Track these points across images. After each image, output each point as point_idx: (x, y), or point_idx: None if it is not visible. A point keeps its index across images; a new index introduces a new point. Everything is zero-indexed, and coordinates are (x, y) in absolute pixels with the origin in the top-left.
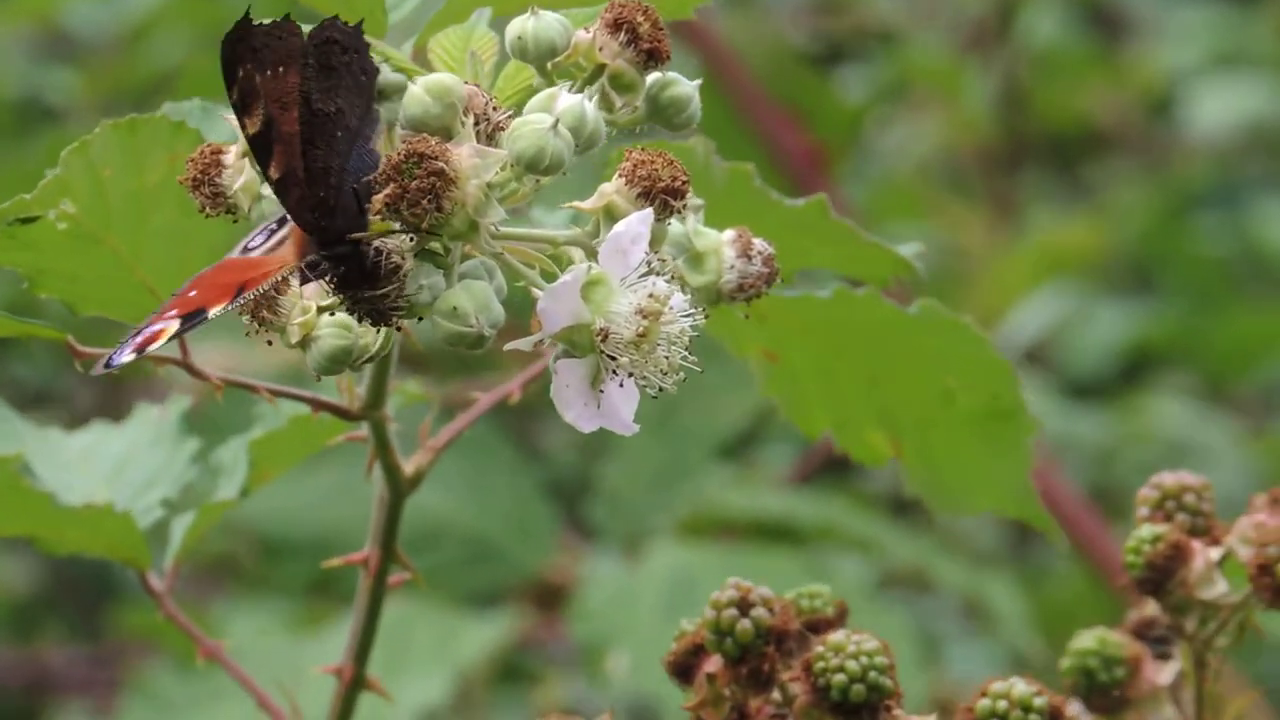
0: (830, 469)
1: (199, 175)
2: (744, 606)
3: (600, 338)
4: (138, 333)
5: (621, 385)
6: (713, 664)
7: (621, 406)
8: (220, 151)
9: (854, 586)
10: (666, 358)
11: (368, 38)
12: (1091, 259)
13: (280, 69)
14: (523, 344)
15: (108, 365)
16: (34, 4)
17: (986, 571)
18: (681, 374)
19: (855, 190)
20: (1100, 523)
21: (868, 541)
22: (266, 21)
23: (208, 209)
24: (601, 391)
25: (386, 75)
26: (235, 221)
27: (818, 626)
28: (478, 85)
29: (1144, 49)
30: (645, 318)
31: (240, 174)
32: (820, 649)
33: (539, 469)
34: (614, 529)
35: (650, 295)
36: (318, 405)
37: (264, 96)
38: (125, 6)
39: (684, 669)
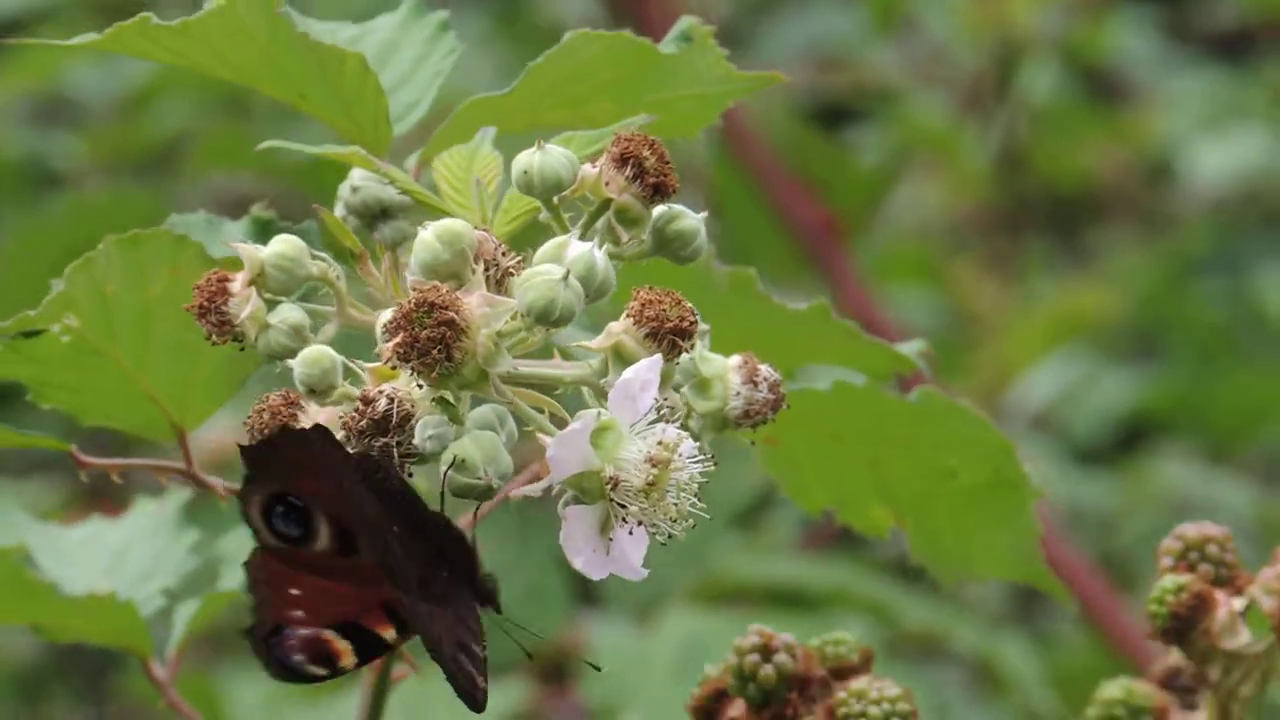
0: (839, 535)
1: (205, 303)
2: (767, 652)
3: (610, 485)
4: (283, 636)
5: (631, 533)
6: (736, 709)
7: (630, 552)
8: (226, 279)
9: None
10: (675, 504)
11: (370, 157)
12: (1095, 324)
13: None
14: (533, 490)
15: (287, 673)
16: (35, 68)
17: (1000, 635)
18: (691, 521)
19: (862, 255)
20: (1107, 589)
21: (879, 606)
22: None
23: (214, 337)
24: (610, 539)
25: (390, 195)
26: (241, 349)
27: (843, 673)
28: (486, 228)
29: (1141, 110)
30: (655, 466)
31: (247, 302)
32: (843, 695)
33: (550, 537)
34: (625, 597)
35: (660, 443)
36: None
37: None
38: (127, 71)
39: (707, 714)
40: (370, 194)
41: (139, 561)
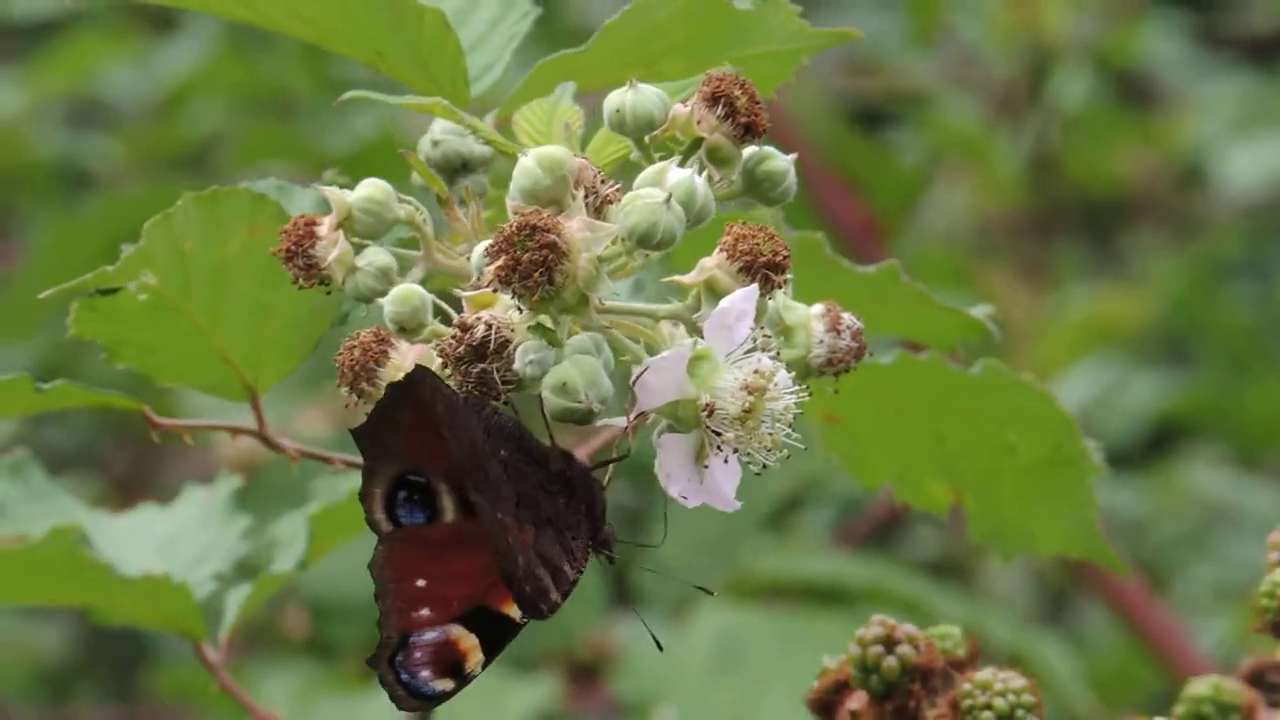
0: (872, 536)
1: (293, 247)
2: (890, 643)
3: (706, 413)
4: (409, 650)
5: (725, 461)
6: (857, 700)
7: (724, 482)
8: (314, 223)
9: None
10: (770, 434)
11: (453, 108)
12: (1126, 329)
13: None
14: (620, 420)
15: (414, 694)
16: (70, 69)
17: (1037, 635)
18: (785, 451)
19: (899, 257)
20: (1147, 593)
21: (915, 603)
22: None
23: (301, 280)
24: (705, 467)
25: (473, 147)
26: (328, 293)
27: (952, 666)
28: (585, 157)
29: (1173, 114)
30: (751, 394)
31: (334, 246)
32: (967, 686)
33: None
34: (661, 594)
35: (756, 371)
36: None
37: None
38: (160, 72)
39: (826, 706)
40: (451, 148)
41: (190, 547)
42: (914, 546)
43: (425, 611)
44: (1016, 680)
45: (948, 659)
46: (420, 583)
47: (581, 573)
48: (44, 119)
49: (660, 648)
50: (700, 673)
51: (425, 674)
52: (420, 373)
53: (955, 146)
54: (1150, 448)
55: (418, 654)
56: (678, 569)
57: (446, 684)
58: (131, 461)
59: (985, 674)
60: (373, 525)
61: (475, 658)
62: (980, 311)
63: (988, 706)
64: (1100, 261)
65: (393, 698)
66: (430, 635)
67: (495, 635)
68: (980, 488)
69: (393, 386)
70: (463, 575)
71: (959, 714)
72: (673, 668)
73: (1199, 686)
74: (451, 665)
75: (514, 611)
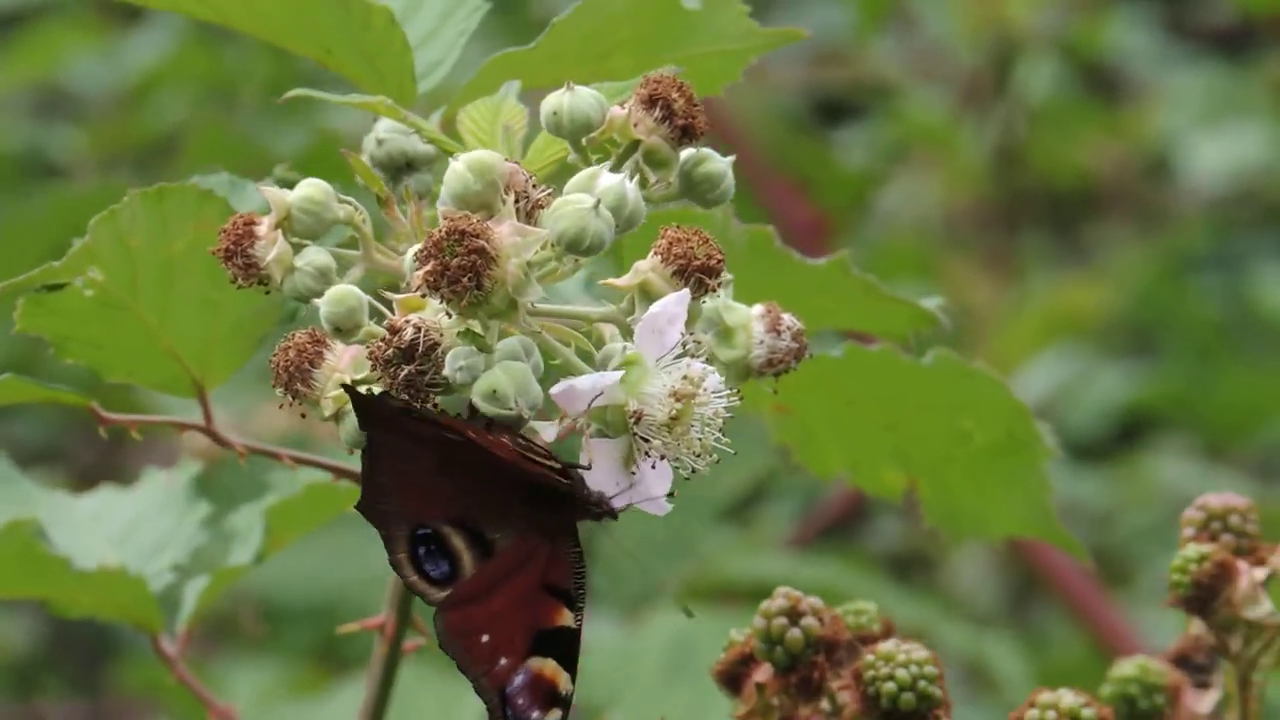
0: (833, 529)
1: (232, 246)
2: (794, 616)
3: (634, 420)
4: (511, 703)
5: (654, 466)
6: (762, 673)
7: (654, 485)
8: (253, 222)
9: None
10: (700, 439)
11: (397, 107)
12: (1092, 321)
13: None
14: (549, 428)
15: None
16: (36, 60)
17: (988, 634)
18: (715, 456)
19: (856, 253)
20: (1099, 589)
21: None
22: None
23: (240, 280)
24: (634, 472)
25: (415, 146)
26: (267, 293)
27: (865, 641)
28: (517, 162)
29: (1140, 106)
30: (679, 400)
31: (273, 245)
32: (870, 658)
33: None
34: (615, 595)
35: (685, 377)
36: (340, 473)
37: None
38: (126, 63)
39: (732, 678)
40: (395, 146)
41: (149, 535)
42: (876, 539)
43: (503, 661)
44: (919, 651)
45: (860, 634)
46: (484, 638)
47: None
48: (9, 110)
49: (690, 615)
50: (652, 676)
51: (535, 715)
52: (372, 412)
53: (920, 138)
54: (1116, 440)
55: (520, 701)
56: (628, 571)
57: (555, 714)
58: (97, 456)
59: (888, 645)
60: (416, 591)
61: (563, 678)
62: (931, 303)
63: (890, 677)
64: (1066, 253)
65: None
66: (519, 680)
67: (565, 650)
68: (934, 474)
69: (363, 454)
70: (510, 610)
71: (862, 685)
72: (625, 672)
73: (1125, 668)
74: (549, 695)
75: (568, 619)
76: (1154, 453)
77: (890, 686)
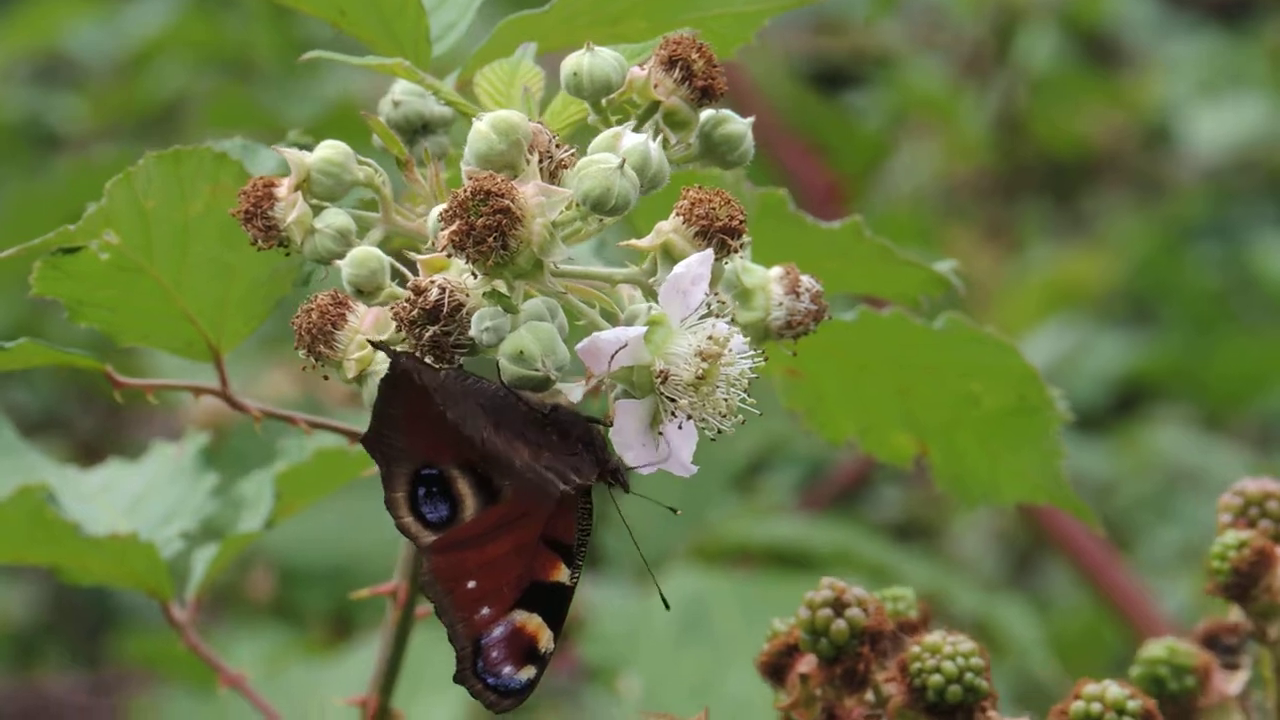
0: (838, 497)
1: (251, 208)
2: (839, 606)
3: (660, 379)
4: (485, 653)
5: (680, 427)
6: (806, 664)
7: (681, 447)
8: (273, 184)
9: None
10: (725, 399)
11: (414, 69)
12: (1091, 290)
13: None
14: (575, 388)
15: (506, 693)
16: (36, 28)
17: (997, 597)
18: (740, 416)
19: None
20: (1109, 553)
21: (881, 567)
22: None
23: (259, 242)
24: (660, 433)
25: (432, 109)
26: (287, 254)
27: (903, 629)
28: (541, 122)
29: (1140, 75)
30: (705, 360)
31: (293, 207)
32: (916, 649)
33: None
34: (628, 557)
35: (710, 337)
36: (354, 437)
37: None
38: (127, 31)
39: (776, 669)
40: (412, 109)
41: (159, 505)
42: (880, 508)
43: (485, 610)
44: (966, 643)
45: (899, 621)
46: (471, 584)
47: (591, 482)
48: (10, 79)
49: (667, 606)
50: (664, 637)
51: (508, 669)
52: (407, 362)
53: (921, 107)
54: (1115, 409)
55: (494, 654)
56: (643, 533)
57: (530, 671)
58: (97, 424)
59: (934, 637)
60: (405, 531)
61: (545, 635)
62: (944, 266)
63: (937, 669)
64: (1065, 222)
65: (488, 705)
66: (498, 631)
67: (554, 607)
68: (944, 438)
69: (383, 383)
70: (505, 559)
71: (908, 677)
72: (639, 633)
73: (1154, 649)
74: (527, 651)
75: (563, 576)
76: (1152, 422)
77: (937, 679)
